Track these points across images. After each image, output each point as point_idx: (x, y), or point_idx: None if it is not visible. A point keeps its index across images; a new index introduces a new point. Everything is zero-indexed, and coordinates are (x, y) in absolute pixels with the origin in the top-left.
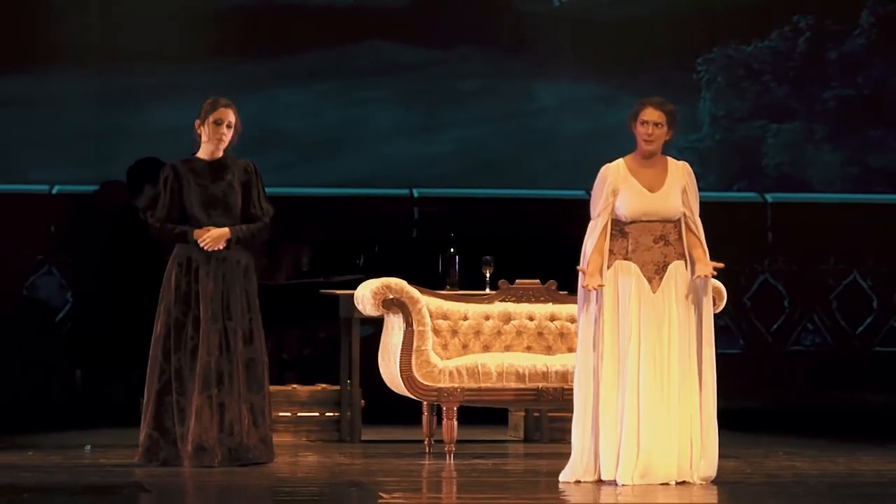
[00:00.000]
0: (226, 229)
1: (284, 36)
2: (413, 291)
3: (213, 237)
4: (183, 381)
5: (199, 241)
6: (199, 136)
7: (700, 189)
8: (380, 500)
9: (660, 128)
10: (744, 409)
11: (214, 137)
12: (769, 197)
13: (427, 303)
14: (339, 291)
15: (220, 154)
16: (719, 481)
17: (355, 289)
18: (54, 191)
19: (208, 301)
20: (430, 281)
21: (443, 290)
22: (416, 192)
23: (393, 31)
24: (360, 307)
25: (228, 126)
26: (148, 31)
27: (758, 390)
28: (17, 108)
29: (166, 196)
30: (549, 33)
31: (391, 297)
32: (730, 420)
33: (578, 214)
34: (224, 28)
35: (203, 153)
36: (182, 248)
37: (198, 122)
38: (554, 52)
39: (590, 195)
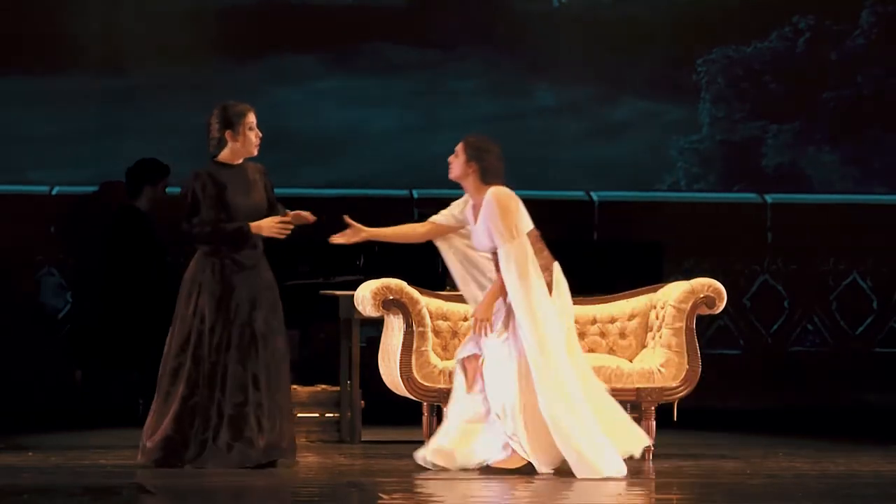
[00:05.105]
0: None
1: (284, 36)
2: (413, 292)
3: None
4: (224, 385)
5: (278, 230)
6: (225, 142)
7: (700, 189)
8: (380, 501)
9: (456, 157)
10: (744, 409)
11: (252, 142)
12: (769, 197)
13: (427, 303)
14: (339, 292)
15: (253, 155)
16: (719, 481)
17: (355, 289)
18: (54, 191)
19: (244, 305)
20: (430, 282)
21: (443, 290)
22: (416, 193)
23: (393, 31)
24: (360, 308)
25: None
26: (148, 31)
27: (758, 390)
28: (17, 108)
29: (208, 201)
30: (549, 33)
31: (391, 297)
32: (730, 420)
33: (578, 215)
34: (224, 28)
35: (230, 158)
36: (208, 253)
37: (228, 132)
38: (554, 52)
39: (589, 196)
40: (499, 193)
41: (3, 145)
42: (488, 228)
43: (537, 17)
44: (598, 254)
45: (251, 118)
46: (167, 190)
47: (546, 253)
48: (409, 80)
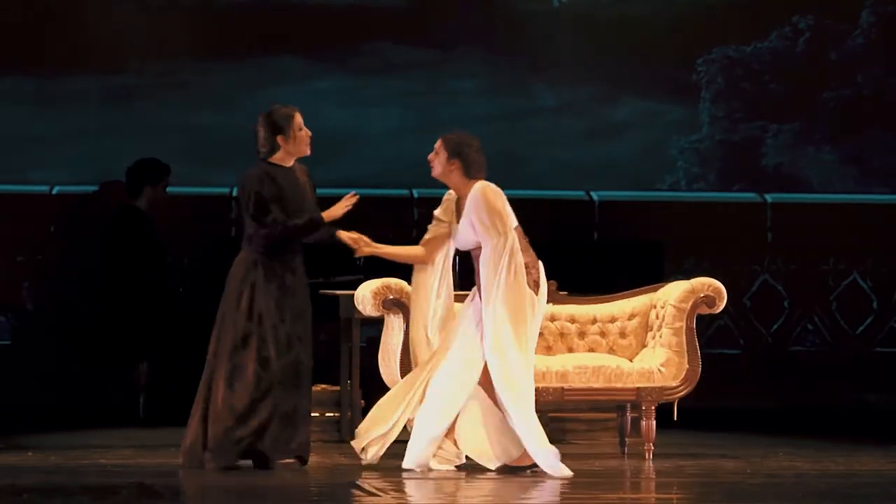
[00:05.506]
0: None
1: (284, 36)
2: None
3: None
4: (297, 386)
5: (352, 244)
6: (278, 146)
7: (700, 189)
8: (379, 500)
9: (436, 155)
10: (744, 409)
11: (305, 141)
12: (769, 197)
13: None
14: (339, 292)
15: (307, 154)
16: (719, 481)
17: (355, 289)
18: (54, 191)
19: (292, 306)
20: None
21: None
22: (416, 193)
23: (393, 31)
24: (360, 308)
25: None
26: (147, 31)
27: (758, 390)
28: (17, 108)
29: (274, 201)
30: (549, 33)
31: (391, 297)
32: (730, 420)
33: (578, 215)
34: (223, 28)
35: (283, 160)
36: (261, 252)
37: (279, 137)
38: (554, 52)
39: (589, 196)
40: (486, 189)
41: (3, 145)
42: (472, 223)
43: (537, 17)
44: (598, 254)
45: (299, 119)
46: (167, 190)
47: (531, 251)
48: (409, 80)
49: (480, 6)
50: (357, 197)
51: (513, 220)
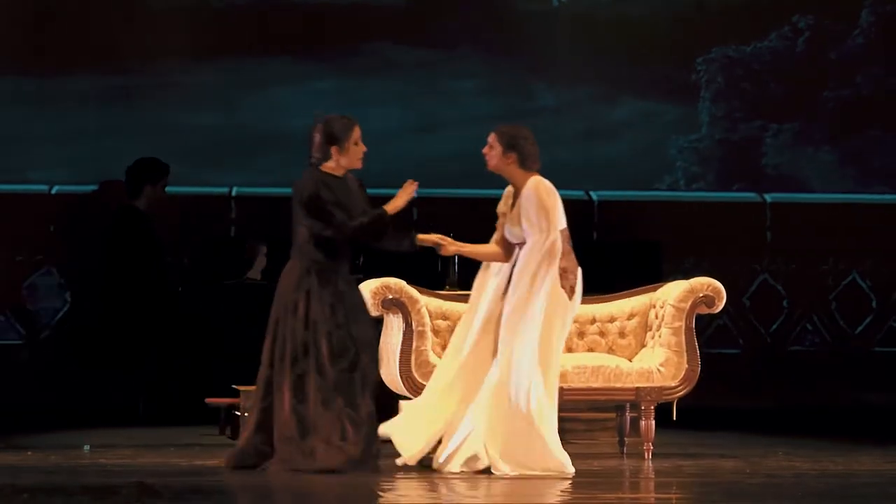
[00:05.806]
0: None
1: (284, 36)
2: (412, 291)
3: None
4: (354, 392)
5: (441, 241)
6: (330, 155)
7: (700, 189)
8: (380, 500)
9: (492, 148)
10: (743, 409)
11: (358, 156)
12: (769, 197)
13: (426, 303)
14: None
15: (358, 168)
16: (718, 481)
17: None
18: (54, 191)
19: (347, 311)
20: (429, 281)
21: (442, 290)
22: (415, 192)
23: (393, 31)
24: None
25: None
26: (147, 31)
27: (758, 390)
28: (17, 108)
29: (336, 204)
30: (548, 33)
31: (391, 297)
32: (729, 419)
33: (578, 215)
34: (223, 28)
35: (334, 169)
36: (315, 259)
37: (334, 147)
38: (553, 52)
39: (589, 195)
40: (539, 185)
41: (3, 145)
42: (521, 217)
43: (537, 17)
44: (597, 253)
45: (357, 133)
46: (167, 189)
47: (572, 256)
48: (409, 80)
49: (480, 6)
50: (417, 183)
51: (561, 222)
